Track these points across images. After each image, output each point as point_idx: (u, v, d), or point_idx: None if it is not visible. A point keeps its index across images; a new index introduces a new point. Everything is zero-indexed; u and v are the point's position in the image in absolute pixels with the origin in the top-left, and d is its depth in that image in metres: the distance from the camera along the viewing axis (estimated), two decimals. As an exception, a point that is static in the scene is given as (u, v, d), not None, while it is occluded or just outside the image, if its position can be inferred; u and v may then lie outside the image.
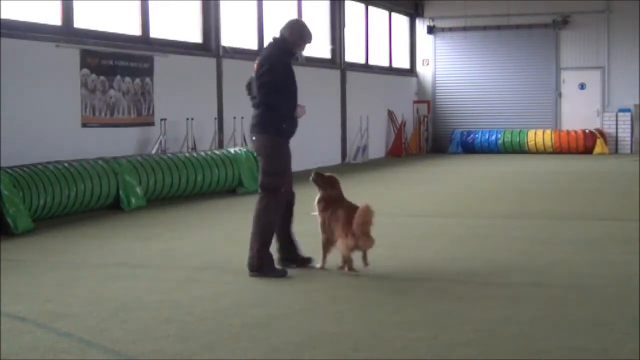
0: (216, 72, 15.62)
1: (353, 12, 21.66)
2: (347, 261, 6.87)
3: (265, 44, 18.43)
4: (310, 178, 7.18)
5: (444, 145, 24.97)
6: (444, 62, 25.30)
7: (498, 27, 24.41)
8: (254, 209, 6.93)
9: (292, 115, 6.97)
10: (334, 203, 7.04)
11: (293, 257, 7.13)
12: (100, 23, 13.17)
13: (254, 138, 7.04)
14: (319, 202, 7.10)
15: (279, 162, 6.94)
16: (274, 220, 6.90)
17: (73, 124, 12.29)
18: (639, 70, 23.04)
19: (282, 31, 7.08)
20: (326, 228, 7.00)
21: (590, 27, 23.69)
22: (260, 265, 6.79)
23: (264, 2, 17.43)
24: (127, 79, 13.32)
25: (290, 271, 6.93)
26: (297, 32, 7.05)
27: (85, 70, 12.50)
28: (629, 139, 23.48)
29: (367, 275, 6.77)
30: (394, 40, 24.50)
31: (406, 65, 25.42)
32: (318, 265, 7.06)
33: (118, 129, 13.10)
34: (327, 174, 7.31)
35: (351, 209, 6.91)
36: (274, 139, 6.92)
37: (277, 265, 7.01)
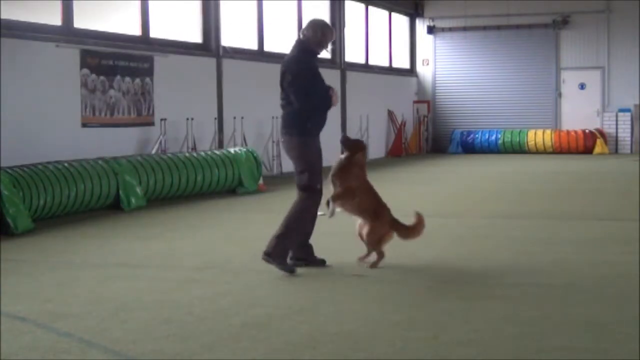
0: (216, 72, 15.63)
1: (353, 12, 21.66)
2: (380, 254, 7.01)
3: (266, 44, 18.51)
4: (340, 140, 7.29)
5: (444, 145, 24.97)
6: (444, 62, 25.30)
7: (498, 27, 24.41)
8: (295, 201, 6.97)
9: (321, 113, 7.06)
10: (358, 169, 7.12)
11: (306, 258, 7.13)
12: (100, 23, 13.18)
13: (282, 140, 7.11)
14: (346, 158, 7.15)
15: (308, 159, 6.98)
16: (307, 218, 6.95)
17: (73, 124, 12.30)
18: (639, 70, 23.04)
19: (305, 31, 7.11)
20: (342, 189, 7.02)
21: (590, 27, 23.70)
22: (274, 253, 6.82)
23: (264, 2, 17.43)
24: (127, 79, 13.32)
25: (290, 271, 6.95)
26: (319, 31, 7.07)
27: (85, 70, 12.50)
28: (629, 139, 23.48)
29: (367, 276, 6.77)
30: (394, 40, 24.50)
31: (406, 65, 25.43)
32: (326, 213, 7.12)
33: (118, 129, 13.10)
34: (355, 138, 7.50)
35: (380, 204, 7.10)
36: (300, 138, 6.96)
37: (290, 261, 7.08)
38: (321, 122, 7.11)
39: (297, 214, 6.91)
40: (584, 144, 22.98)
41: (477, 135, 24.23)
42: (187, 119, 14.27)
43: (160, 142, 13.63)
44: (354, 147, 7.22)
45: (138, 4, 13.95)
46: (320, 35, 7.07)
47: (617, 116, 23.57)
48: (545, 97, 24.33)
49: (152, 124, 13.83)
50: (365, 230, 7.06)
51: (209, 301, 5.91)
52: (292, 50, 7.16)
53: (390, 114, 23.41)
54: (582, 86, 23.98)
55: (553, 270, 6.98)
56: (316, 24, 7.15)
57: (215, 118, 15.43)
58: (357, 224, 7.21)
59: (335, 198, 7.04)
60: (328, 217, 7.09)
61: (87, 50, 12.55)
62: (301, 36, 7.13)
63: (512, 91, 24.57)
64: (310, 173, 6.93)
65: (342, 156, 7.21)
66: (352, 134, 20.77)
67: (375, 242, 7.02)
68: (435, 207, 11.58)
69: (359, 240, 7.26)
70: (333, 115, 21.99)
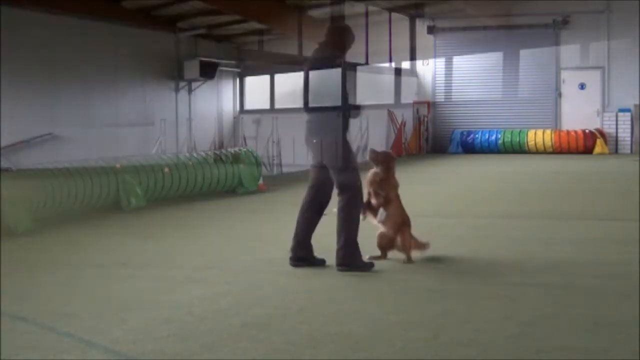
0: (216, 72, 15.63)
1: (353, 12, 21.64)
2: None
3: (266, 44, 18.32)
4: (369, 158, 7.47)
5: (444, 145, 24.97)
6: (444, 62, 25.29)
7: (498, 27, 24.40)
8: (338, 206, 6.99)
9: (346, 114, 7.10)
10: (394, 178, 7.41)
11: (307, 257, 7.14)
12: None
13: (311, 143, 7.13)
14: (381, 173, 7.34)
15: (344, 157, 7.00)
16: (356, 218, 6.99)
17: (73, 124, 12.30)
18: (639, 70, 23.03)
19: (327, 34, 7.17)
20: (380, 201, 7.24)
21: (590, 27, 23.69)
22: (349, 260, 6.88)
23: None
24: (127, 79, 13.32)
25: (291, 271, 6.95)
26: (341, 35, 7.16)
27: (85, 70, 12.50)
28: (629, 139, 23.47)
29: (367, 276, 6.77)
30: (394, 40, 24.48)
31: (406, 65, 25.41)
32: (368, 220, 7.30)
33: (118, 129, 13.10)
34: (382, 150, 7.68)
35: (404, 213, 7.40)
36: (330, 138, 6.99)
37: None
38: (346, 123, 7.17)
39: (346, 219, 6.93)
40: (584, 144, 22.97)
41: (477, 135, 24.23)
42: (187, 119, 14.26)
43: (160, 142, 13.63)
44: (386, 159, 7.46)
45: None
46: (344, 38, 7.15)
47: (617, 116, 23.56)
48: (545, 97, 24.33)
49: (152, 124, 13.83)
50: (399, 240, 7.27)
51: (209, 301, 5.91)
52: (315, 53, 7.20)
53: (390, 114, 23.40)
54: (582, 86, 23.97)
55: (553, 270, 6.98)
56: (337, 28, 7.23)
57: (215, 118, 15.42)
58: (378, 232, 7.36)
59: (383, 205, 7.28)
60: (377, 221, 7.29)
61: (87, 50, 12.55)
62: (324, 39, 7.17)
63: (512, 91, 24.56)
64: (349, 171, 6.97)
65: (377, 169, 7.39)
66: (352, 134, 20.78)
67: (409, 247, 7.29)
68: (435, 207, 11.58)
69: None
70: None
